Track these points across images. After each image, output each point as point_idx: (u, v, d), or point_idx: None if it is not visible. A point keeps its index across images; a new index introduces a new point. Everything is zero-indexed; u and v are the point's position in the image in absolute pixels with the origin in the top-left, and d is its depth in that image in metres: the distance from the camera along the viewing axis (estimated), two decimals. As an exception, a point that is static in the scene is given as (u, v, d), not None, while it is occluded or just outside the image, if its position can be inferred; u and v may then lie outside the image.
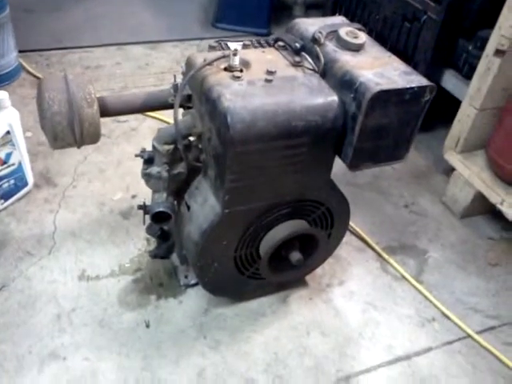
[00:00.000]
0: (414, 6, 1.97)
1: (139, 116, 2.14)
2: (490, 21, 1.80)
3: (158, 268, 1.56)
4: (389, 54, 1.27)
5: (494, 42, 1.64)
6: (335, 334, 1.44)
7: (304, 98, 1.14)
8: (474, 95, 1.74)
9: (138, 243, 1.63)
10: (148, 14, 3.02)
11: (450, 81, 2.02)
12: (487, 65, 1.67)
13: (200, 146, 1.26)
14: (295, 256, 1.34)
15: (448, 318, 1.52)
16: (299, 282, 1.55)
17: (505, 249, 1.77)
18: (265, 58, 1.25)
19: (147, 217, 1.32)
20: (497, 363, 1.41)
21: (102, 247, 1.60)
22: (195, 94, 1.22)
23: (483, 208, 1.86)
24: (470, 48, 1.91)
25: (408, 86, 1.14)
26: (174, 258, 1.57)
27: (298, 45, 1.26)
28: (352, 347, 1.41)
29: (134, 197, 1.79)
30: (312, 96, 1.15)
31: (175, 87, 1.26)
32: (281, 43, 1.31)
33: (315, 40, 1.25)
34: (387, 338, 1.45)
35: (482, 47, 1.80)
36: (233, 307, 1.47)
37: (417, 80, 1.17)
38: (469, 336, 1.47)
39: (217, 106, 1.10)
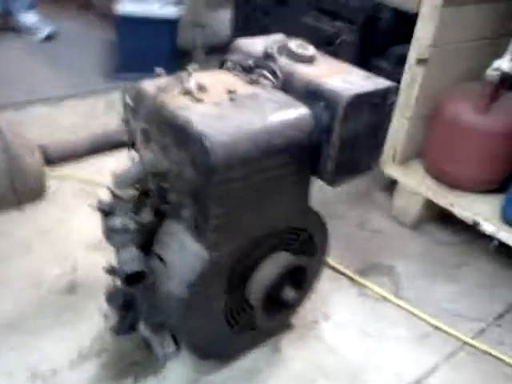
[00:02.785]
0: (329, 31, 2.03)
1: (55, 177, 1.89)
2: (399, 38, 1.90)
3: (126, 344, 1.32)
4: (341, 62, 1.25)
5: (414, 52, 1.71)
6: (340, 376, 1.31)
7: (277, 113, 1.05)
8: (403, 106, 1.79)
9: (93, 320, 1.37)
10: (44, 69, 2.79)
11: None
12: (411, 75, 1.73)
13: (165, 185, 1.10)
14: (289, 293, 1.20)
15: (440, 329, 1.46)
16: (284, 325, 1.41)
17: (462, 251, 1.79)
18: (218, 79, 1.16)
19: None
20: (502, 365, 1.38)
21: (51, 334, 1.32)
22: (153, 126, 1.08)
23: (431, 215, 1.89)
24: (385, 65, 1.99)
25: (378, 88, 1.12)
26: (142, 328, 1.34)
27: (250, 62, 1.19)
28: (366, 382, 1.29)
29: (74, 269, 1.53)
30: (284, 111, 1.07)
31: (126, 122, 1.10)
32: (229, 64, 1.23)
33: (268, 56, 1.19)
34: (391, 365, 1.35)
35: (397, 62, 1.89)
36: (224, 370, 1.28)
37: (381, 82, 1.14)
38: (466, 343, 1.43)
39: (187, 133, 0.97)
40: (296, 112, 1.07)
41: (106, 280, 1.44)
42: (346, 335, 1.42)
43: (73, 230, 1.67)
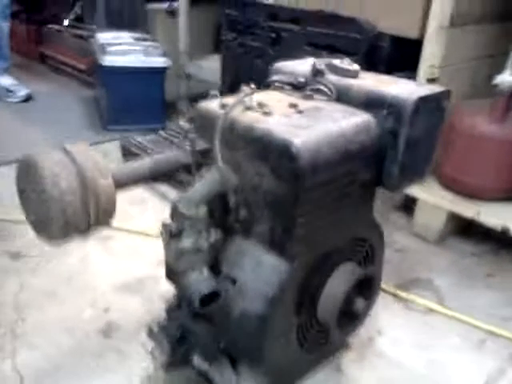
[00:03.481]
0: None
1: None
2: (400, 65, 1.97)
3: (180, 381, 1.23)
4: (383, 75, 1.27)
5: (423, 72, 1.78)
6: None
7: (347, 120, 1.05)
8: (417, 125, 1.83)
9: (140, 359, 1.27)
10: (31, 129, 2.71)
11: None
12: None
13: (234, 203, 1.06)
14: (360, 304, 1.16)
15: (495, 333, 1.44)
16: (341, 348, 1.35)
17: (491, 260, 1.80)
18: (274, 98, 1.15)
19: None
20: None
21: (97, 379, 1.21)
22: (221, 144, 1.04)
23: (454, 229, 1.90)
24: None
25: (434, 92, 1.14)
26: (196, 360, 1.25)
27: (301, 80, 1.20)
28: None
29: (106, 310, 1.43)
30: (352, 118, 1.06)
31: (192, 141, 1.06)
32: (277, 84, 1.22)
33: (317, 72, 1.20)
34: (457, 374, 1.31)
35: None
36: (293, 396, 1.20)
37: (435, 88, 1.17)
38: (523, 345, 1.42)
39: (268, 143, 0.95)
40: (363, 119, 1.07)
41: (142, 319, 1.38)
42: (403, 349, 1.37)
43: (95, 275, 1.58)
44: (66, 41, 3.54)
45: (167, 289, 1.51)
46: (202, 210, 1.00)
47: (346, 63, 1.24)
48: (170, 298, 1.34)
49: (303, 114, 1.05)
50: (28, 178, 0.87)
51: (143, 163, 1.05)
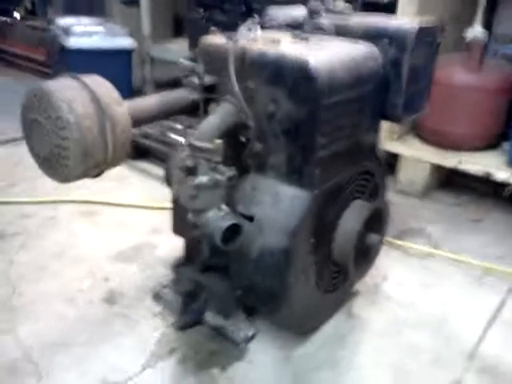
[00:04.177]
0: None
1: (49, 205, 1.72)
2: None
3: (195, 338, 1.18)
4: (376, 14, 1.29)
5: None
6: (424, 324, 1.27)
7: (353, 48, 1.06)
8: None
9: (149, 323, 1.22)
10: None
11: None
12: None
13: (248, 135, 1.04)
14: (374, 238, 1.16)
15: (491, 269, 1.49)
16: (351, 293, 1.35)
17: (474, 209, 1.86)
18: (276, 35, 1.13)
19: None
20: None
21: (108, 345, 1.15)
22: (232, 75, 1.01)
23: (436, 182, 1.96)
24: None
25: (431, 25, 1.16)
26: (209, 316, 1.21)
27: (299, 19, 1.20)
28: (450, 326, 1.26)
29: (106, 279, 1.37)
30: (357, 47, 1.07)
31: (200, 76, 1.03)
32: (274, 25, 1.21)
33: (314, 12, 1.20)
34: (465, 308, 1.34)
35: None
36: (309, 342, 1.19)
37: (429, 21, 1.19)
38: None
39: (284, 66, 0.94)
40: (367, 47, 1.08)
41: (144, 284, 1.33)
42: (410, 290, 1.39)
43: (87, 247, 1.51)
44: (20, 33, 3.40)
45: (165, 253, 1.48)
46: (217, 142, 0.97)
47: (340, 4, 1.25)
48: (173, 258, 1.31)
49: (311, 43, 1.04)
50: (40, 106, 0.81)
51: (150, 99, 1.00)
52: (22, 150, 2.10)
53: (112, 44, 2.49)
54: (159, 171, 1.99)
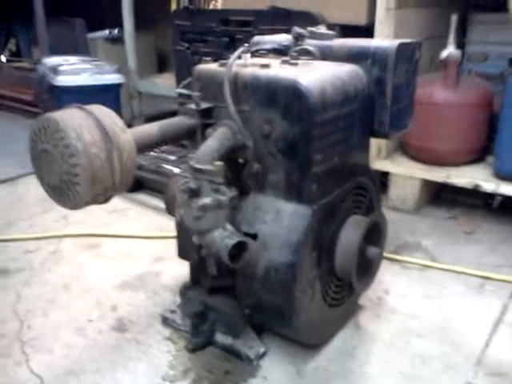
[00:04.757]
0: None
1: (51, 240, 1.74)
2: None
3: (208, 359, 1.20)
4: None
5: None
6: (431, 333, 1.29)
7: (339, 69, 1.12)
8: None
9: (160, 347, 1.23)
10: None
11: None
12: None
13: (246, 156, 1.08)
14: (373, 251, 1.20)
15: (491, 278, 1.52)
16: (355, 308, 1.37)
17: (465, 220, 1.91)
18: (264, 60, 1.20)
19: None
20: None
21: (121, 370, 1.16)
22: (227, 98, 1.07)
23: (428, 196, 2.01)
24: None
25: (409, 41, 1.23)
26: (220, 337, 1.23)
27: (287, 44, 1.27)
28: (456, 333, 1.29)
29: (114, 308, 1.38)
30: (343, 67, 1.13)
31: (196, 102, 1.08)
32: (261, 52, 1.28)
33: (299, 36, 1.27)
34: (469, 315, 1.36)
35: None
36: (320, 355, 1.21)
37: (408, 40, 1.26)
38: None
39: (276, 87, 1.00)
40: (352, 68, 1.15)
41: (152, 311, 1.35)
42: (413, 302, 1.42)
43: (93, 279, 1.53)
44: (6, 75, 3.46)
45: (170, 280, 1.50)
46: (218, 164, 1.01)
47: (321, 29, 1.32)
48: (179, 284, 1.33)
49: (300, 66, 1.10)
50: (48, 136, 0.85)
51: (151, 127, 1.05)
52: (19, 189, 2.17)
53: (100, 80, 2.55)
54: (156, 202, 2.03)
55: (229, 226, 1.03)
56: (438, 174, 1.88)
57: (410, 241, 1.76)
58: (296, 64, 1.10)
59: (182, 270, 1.46)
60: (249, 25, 2.21)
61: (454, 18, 1.83)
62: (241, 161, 1.11)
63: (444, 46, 1.87)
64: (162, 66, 3.90)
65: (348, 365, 1.18)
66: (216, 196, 1.02)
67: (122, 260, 1.63)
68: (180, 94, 1.15)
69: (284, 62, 1.13)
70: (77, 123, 0.86)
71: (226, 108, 1.05)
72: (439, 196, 2.09)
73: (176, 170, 2.03)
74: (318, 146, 1.00)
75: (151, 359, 1.19)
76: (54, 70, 2.53)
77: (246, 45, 1.16)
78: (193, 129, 1.10)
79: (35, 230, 1.82)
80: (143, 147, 1.02)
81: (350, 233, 1.14)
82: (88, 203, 0.91)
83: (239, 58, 1.12)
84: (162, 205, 1.81)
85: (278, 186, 1.06)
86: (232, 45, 2.28)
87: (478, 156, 1.95)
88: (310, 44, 1.24)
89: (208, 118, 1.11)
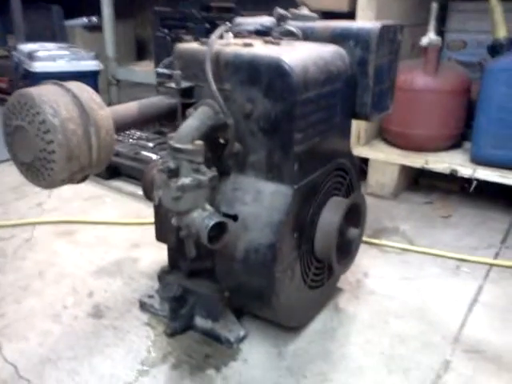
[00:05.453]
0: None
1: (25, 227, 1.70)
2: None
3: (188, 341, 1.18)
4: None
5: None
6: (408, 314, 1.30)
7: (322, 49, 1.11)
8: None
9: (139, 332, 1.21)
10: None
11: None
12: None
13: (227, 136, 1.06)
14: (353, 232, 1.20)
15: (466, 260, 1.55)
16: (335, 291, 1.38)
17: (441, 205, 1.93)
18: (246, 41, 1.18)
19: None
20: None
21: (99, 356, 1.13)
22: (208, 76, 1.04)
23: (406, 182, 2.03)
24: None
25: (391, 23, 1.23)
26: (199, 321, 1.21)
27: (269, 24, 1.25)
28: (434, 313, 1.30)
29: (90, 295, 1.35)
30: (325, 48, 1.12)
31: (177, 81, 1.06)
32: (244, 33, 1.26)
33: (281, 17, 1.25)
34: (446, 296, 1.38)
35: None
36: (300, 337, 1.21)
37: (390, 21, 1.26)
38: (492, 265, 1.53)
39: (259, 65, 0.98)
40: (335, 48, 1.14)
41: (129, 296, 1.33)
42: (391, 284, 1.43)
43: (68, 265, 1.50)
44: (-21, 63, 3.35)
45: (147, 266, 1.48)
46: (198, 143, 0.99)
47: (304, 11, 1.31)
48: (156, 270, 1.31)
49: (282, 45, 1.09)
50: (23, 111, 0.82)
51: (130, 105, 1.02)
52: None
53: (78, 67, 2.49)
54: (133, 189, 2.00)
55: (208, 207, 1.01)
56: (417, 160, 1.89)
57: (389, 225, 1.78)
58: (278, 44, 1.09)
59: (159, 255, 1.44)
60: (230, 11, 2.19)
61: (435, 6, 1.85)
62: (221, 141, 1.09)
63: (424, 33, 1.88)
64: (140, 54, 3.85)
65: (328, 346, 1.18)
66: (196, 176, 0.99)
67: (99, 246, 1.60)
68: (160, 74, 1.12)
69: (266, 42, 1.12)
70: (53, 98, 0.82)
71: (207, 87, 1.03)
72: (417, 182, 2.11)
73: (154, 157, 2.00)
74: (300, 125, 0.99)
75: (129, 345, 1.17)
76: (30, 56, 2.46)
77: (228, 24, 1.14)
78: (173, 108, 1.08)
79: (9, 217, 1.77)
80: (122, 126, 0.99)
81: (330, 214, 1.14)
82: (64, 182, 0.88)
83: (221, 37, 1.11)
84: (139, 191, 1.80)
85: (258, 166, 1.05)
86: (213, 31, 2.25)
87: (455, 142, 1.97)
88: (292, 25, 1.23)
89: (189, 98, 1.08)
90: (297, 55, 1.00)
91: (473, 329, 1.24)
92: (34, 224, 1.72)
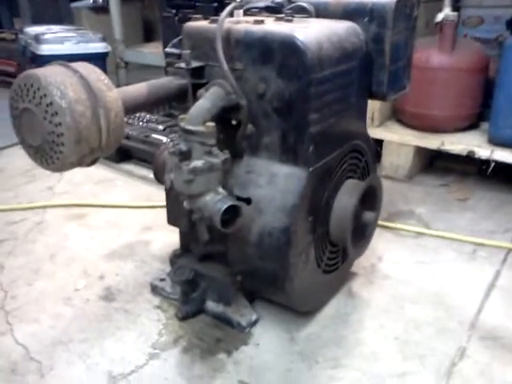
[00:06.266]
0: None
1: (36, 210, 1.69)
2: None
3: (200, 325, 1.17)
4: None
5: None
6: (424, 299, 1.28)
7: (335, 26, 1.07)
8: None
9: (150, 316, 1.20)
10: None
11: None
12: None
13: (240, 117, 1.03)
14: (369, 215, 1.17)
15: (483, 244, 1.51)
16: (348, 275, 1.35)
17: (458, 188, 1.89)
18: (257, 18, 1.14)
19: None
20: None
21: (110, 339, 1.13)
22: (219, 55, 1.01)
23: (421, 164, 1.99)
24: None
25: (407, -1, 1.18)
26: (211, 305, 1.20)
27: (278, 1, 1.21)
28: (450, 298, 1.28)
29: (101, 278, 1.34)
30: (339, 24, 1.08)
31: (187, 60, 1.03)
32: (254, 10, 1.22)
33: (291, -6, 1.21)
34: (462, 280, 1.35)
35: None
36: (313, 322, 1.19)
37: (406, -3, 1.21)
38: (511, 249, 1.49)
39: (273, 43, 0.95)
40: (348, 25, 1.09)
41: (141, 280, 1.32)
42: (406, 269, 1.40)
43: (79, 248, 1.49)
44: (-13, 48, 3.33)
45: (159, 249, 1.47)
46: (210, 125, 0.96)
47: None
48: (168, 253, 1.30)
49: (295, 22, 1.05)
50: (30, 94, 0.80)
51: (139, 86, 0.99)
52: (3, 160, 2.10)
53: (85, 49, 2.46)
54: (144, 172, 1.98)
55: (221, 190, 0.99)
56: (433, 141, 1.85)
57: (404, 208, 1.74)
58: (291, 20, 1.05)
59: (171, 239, 1.43)
60: (239, -12, 2.13)
61: (450, -20, 1.78)
62: (234, 122, 1.06)
63: (439, 9, 1.82)
64: (148, 36, 3.80)
65: (342, 331, 1.16)
66: (208, 158, 0.97)
67: (110, 230, 1.58)
68: (168, 54, 1.09)
69: (278, 19, 1.08)
70: (60, 80, 0.80)
71: (218, 67, 1.00)
72: (432, 164, 2.07)
73: (164, 140, 1.98)
74: (315, 105, 0.96)
75: (140, 328, 1.16)
76: (37, 39, 2.43)
77: (238, 0, 1.10)
78: (183, 89, 1.05)
79: (20, 201, 1.77)
80: (131, 107, 0.97)
81: (346, 197, 1.11)
82: (73, 165, 0.86)
83: (231, 15, 1.07)
84: (150, 175, 1.78)
85: (272, 148, 1.02)
86: (222, 10, 2.20)
87: (472, 122, 1.92)
88: (304, 1, 1.19)
89: (199, 78, 1.05)
90: (310, 32, 0.97)
91: (489, 315, 1.22)
92: (44, 207, 1.72)
